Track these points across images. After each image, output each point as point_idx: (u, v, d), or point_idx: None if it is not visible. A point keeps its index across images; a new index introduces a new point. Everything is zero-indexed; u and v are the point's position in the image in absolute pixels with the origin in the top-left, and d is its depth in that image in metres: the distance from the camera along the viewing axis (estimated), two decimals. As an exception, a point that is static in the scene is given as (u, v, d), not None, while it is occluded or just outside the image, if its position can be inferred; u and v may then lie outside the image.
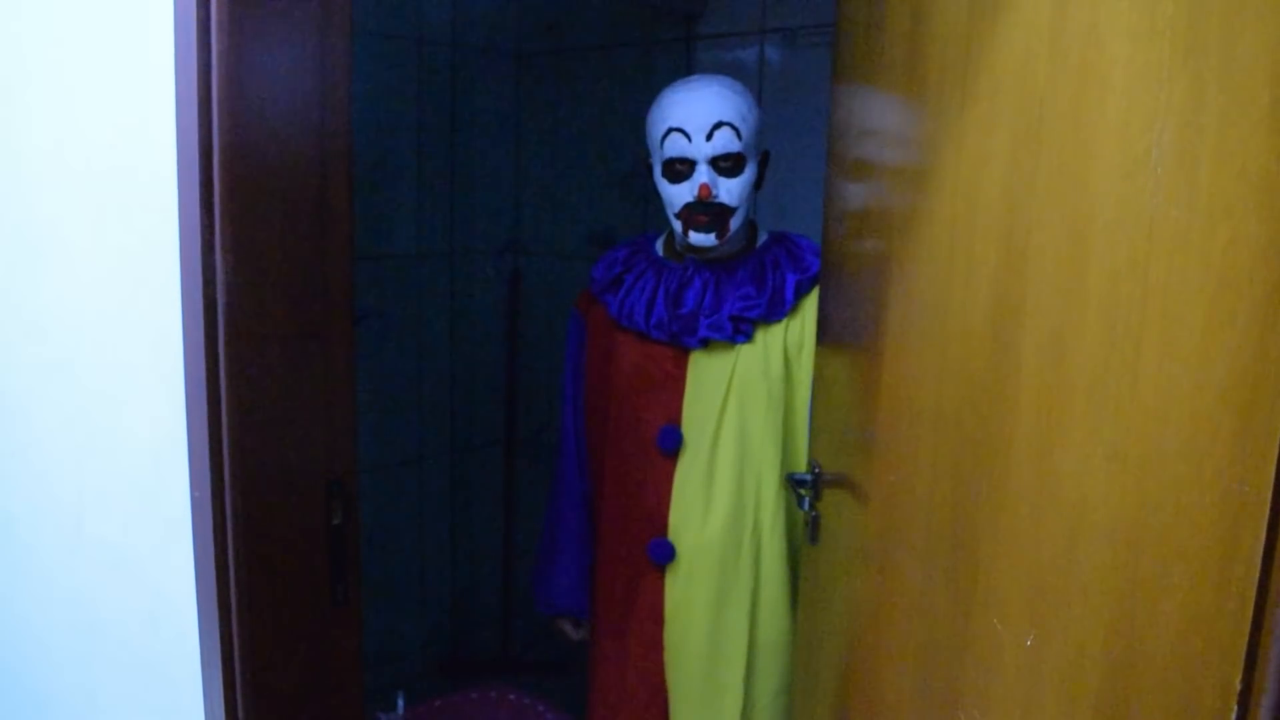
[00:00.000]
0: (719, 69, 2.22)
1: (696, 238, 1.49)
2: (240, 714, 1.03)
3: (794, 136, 1.99)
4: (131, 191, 1.09)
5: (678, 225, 1.51)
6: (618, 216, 2.44)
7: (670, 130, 1.47)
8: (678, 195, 1.49)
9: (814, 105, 1.96)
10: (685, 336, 1.52)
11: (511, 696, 2.23)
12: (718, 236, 1.48)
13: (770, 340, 1.51)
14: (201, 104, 0.93)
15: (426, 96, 2.38)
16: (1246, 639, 0.59)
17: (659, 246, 1.64)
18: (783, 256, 1.54)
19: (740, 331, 1.50)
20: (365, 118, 2.17)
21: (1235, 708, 0.60)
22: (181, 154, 0.97)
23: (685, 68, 2.27)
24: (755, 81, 2.15)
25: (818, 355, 1.44)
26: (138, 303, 1.11)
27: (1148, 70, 0.67)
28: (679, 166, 1.48)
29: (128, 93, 1.08)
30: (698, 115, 1.45)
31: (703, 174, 1.46)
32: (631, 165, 2.20)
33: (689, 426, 1.53)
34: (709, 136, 1.45)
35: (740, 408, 1.51)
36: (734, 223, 1.49)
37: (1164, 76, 0.65)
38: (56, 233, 1.24)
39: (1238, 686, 0.60)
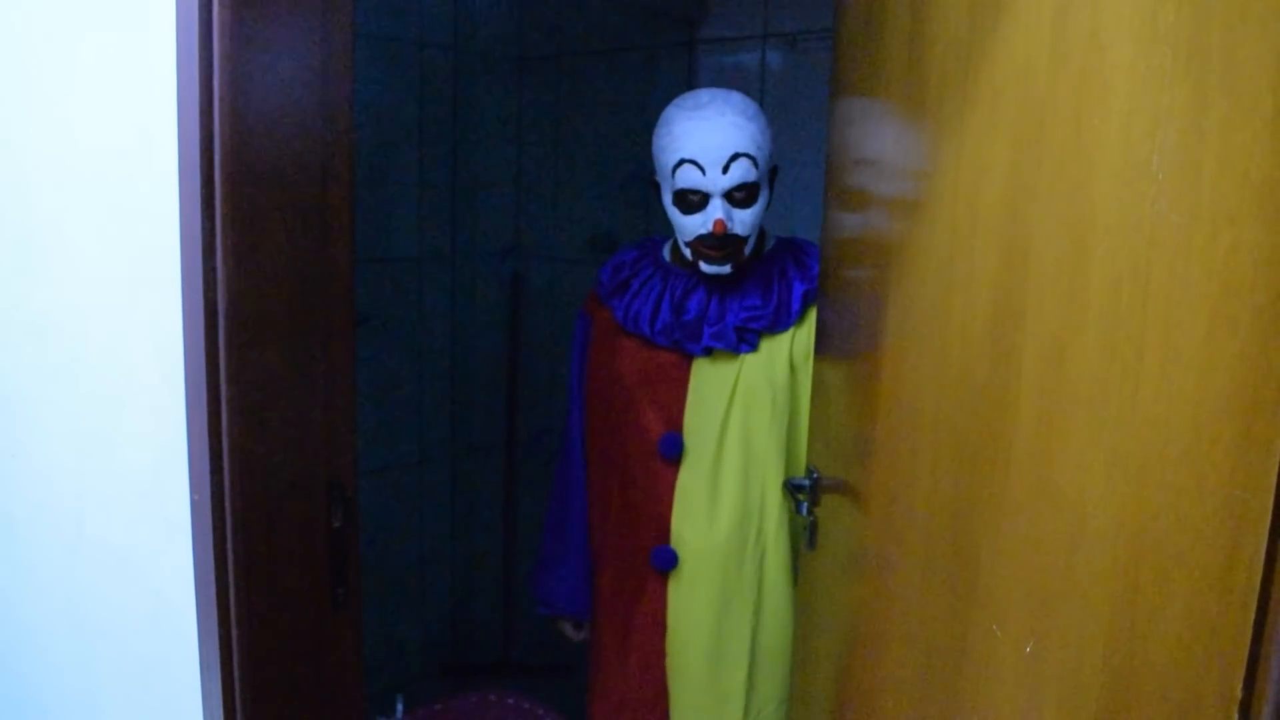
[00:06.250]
0: (720, 73, 2.22)
1: (709, 269, 1.47)
2: (239, 717, 1.03)
3: (795, 141, 1.99)
4: (133, 194, 1.09)
5: (687, 252, 1.50)
6: (619, 220, 2.44)
7: (683, 161, 1.43)
8: (690, 226, 1.46)
9: (815, 110, 1.96)
10: (689, 343, 1.51)
11: (511, 700, 2.23)
12: (732, 266, 1.47)
13: (776, 349, 1.51)
14: (203, 107, 0.93)
15: (428, 100, 2.38)
16: (1248, 647, 0.59)
17: (666, 252, 1.63)
18: (790, 265, 1.53)
19: (744, 341, 1.49)
20: (367, 121, 2.17)
21: (1237, 716, 0.60)
22: (183, 157, 0.97)
23: (686, 72, 2.27)
24: (756, 86, 2.15)
25: (816, 359, 1.43)
26: (139, 305, 1.11)
27: (1149, 76, 0.67)
28: (692, 198, 1.44)
29: (130, 96, 1.08)
30: (712, 149, 1.41)
31: (717, 209, 1.42)
32: (633, 170, 2.20)
33: (691, 434, 1.53)
34: (725, 170, 1.41)
35: (744, 416, 1.51)
36: (746, 249, 1.48)
37: (1166, 82, 0.65)
38: (58, 235, 1.24)
39: (1239, 694, 0.60)
